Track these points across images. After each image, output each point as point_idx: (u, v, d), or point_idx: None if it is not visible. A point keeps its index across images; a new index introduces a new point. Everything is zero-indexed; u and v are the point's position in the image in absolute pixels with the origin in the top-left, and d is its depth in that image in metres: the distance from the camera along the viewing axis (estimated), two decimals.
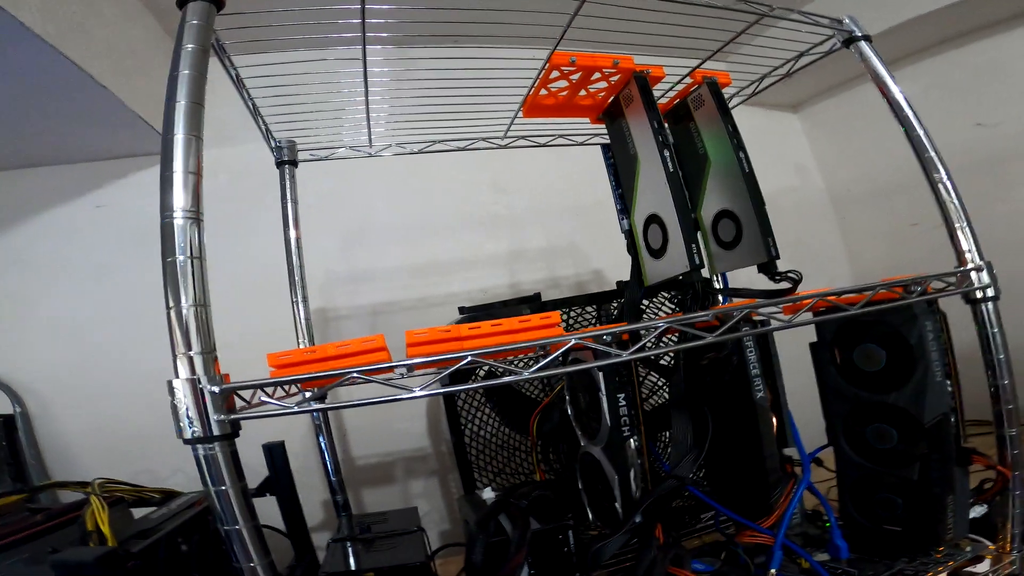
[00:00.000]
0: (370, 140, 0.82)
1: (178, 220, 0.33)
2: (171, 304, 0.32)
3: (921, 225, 1.18)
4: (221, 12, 0.45)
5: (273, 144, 0.79)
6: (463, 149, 0.87)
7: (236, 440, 0.33)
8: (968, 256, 0.54)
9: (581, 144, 0.90)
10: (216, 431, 0.32)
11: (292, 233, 0.78)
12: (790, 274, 0.61)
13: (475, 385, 0.45)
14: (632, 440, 0.63)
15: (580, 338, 0.41)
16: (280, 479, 0.67)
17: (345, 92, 0.72)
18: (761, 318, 0.62)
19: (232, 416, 0.33)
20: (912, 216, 1.24)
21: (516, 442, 0.89)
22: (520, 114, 0.77)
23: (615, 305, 0.91)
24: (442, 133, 0.87)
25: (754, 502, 0.65)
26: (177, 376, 0.32)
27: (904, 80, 1.29)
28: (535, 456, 0.79)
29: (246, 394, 0.36)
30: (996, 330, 0.54)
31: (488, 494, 0.69)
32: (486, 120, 0.85)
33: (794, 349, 0.73)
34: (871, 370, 0.59)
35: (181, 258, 0.33)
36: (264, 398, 0.37)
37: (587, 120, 0.77)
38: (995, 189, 1.22)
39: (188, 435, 0.32)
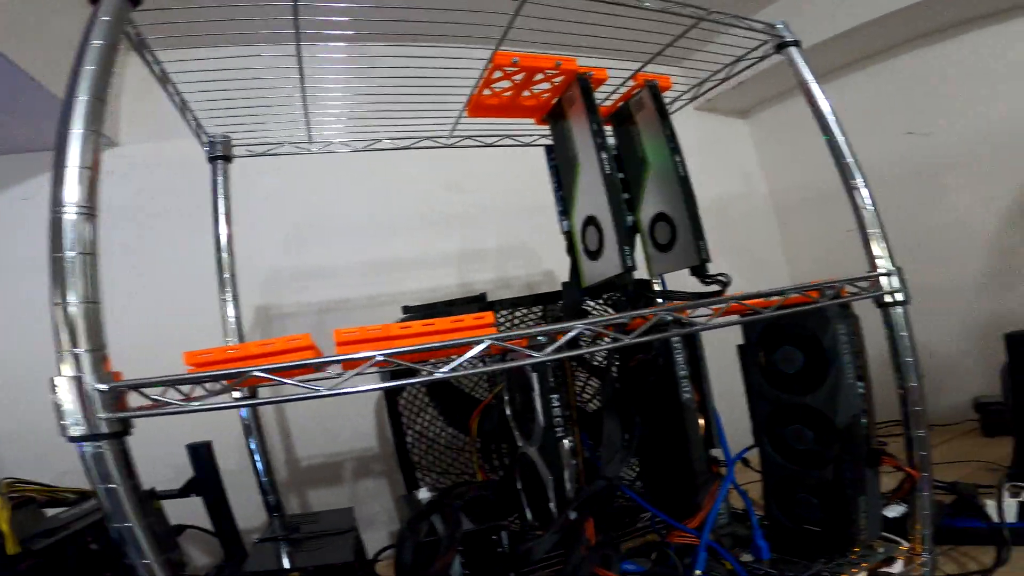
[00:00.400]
0: (309, 136, 0.80)
1: (69, 216, 0.32)
2: (57, 300, 0.31)
3: (855, 232, 1.24)
4: (141, 8, 0.44)
5: (204, 139, 0.77)
6: (408, 148, 0.86)
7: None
8: (880, 261, 0.57)
9: (527, 145, 0.91)
10: (103, 429, 0.31)
11: (223, 230, 0.75)
12: (720, 277, 0.62)
13: (378, 387, 0.45)
14: (566, 441, 0.64)
15: (496, 339, 0.42)
16: (206, 479, 0.65)
17: (281, 88, 0.70)
18: (689, 320, 0.64)
19: (121, 415, 0.32)
20: (847, 222, 1.29)
21: (461, 443, 0.89)
22: (465, 113, 0.77)
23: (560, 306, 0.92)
24: (386, 131, 0.86)
25: (683, 502, 0.67)
26: (60, 374, 0.31)
27: (843, 89, 1.36)
28: (476, 456, 0.79)
29: (156, 392, 0.35)
30: (905, 333, 0.56)
31: (424, 494, 0.69)
32: (432, 118, 0.84)
33: (729, 351, 0.75)
34: (790, 372, 0.61)
35: (71, 254, 0.31)
36: (176, 397, 0.36)
37: (533, 121, 0.77)
38: (927, 197, 1.28)
39: (72, 433, 0.31)
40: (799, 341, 0.60)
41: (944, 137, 1.24)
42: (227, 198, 0.77)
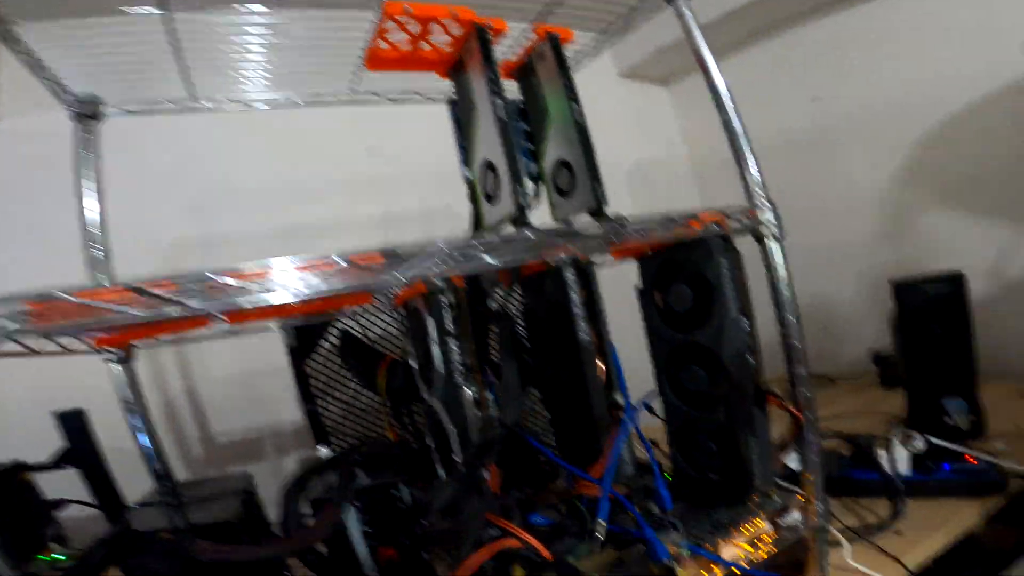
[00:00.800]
0: (191, 94, 0.75)
1: None
2: None
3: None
4: None
5: (67, 99, 0.70)
6: (306, 104, 0.82)
7: None
8: (756, 197, 0.59)
9: (434, 100, 0.89)
10: None
11: (90, 202, 0.69)
12: (617, 219, 0.63)
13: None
14: (468, 389, 0.63)
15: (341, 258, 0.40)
16: (81, 449, 0.61)
17: (151, 42, 0.65)
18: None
19: None
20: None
21: (378, 405, 0.87)
22: (363, 68, 0.74)
23: None
24: (282, 87, 0.82)
25: (589, 451, 0.67)
26: None
27: (751, 58, 1.40)
28: (386, 416, 0.77)
29: None
30: (782, 268, 0.58)
31: (324, 452, 0.67)
32: (330, 74, 0.81)
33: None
34: (682, 310, 0.62)
35: None
36: None
37: (437, 76, 0.75)
38: (825, 160, 1.36)
39: None
40: (688, 278, 0.61)
41: (843, 104, 1.31)
42: (95, 162, 0.70)
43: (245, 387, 1.15)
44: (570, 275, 0.59)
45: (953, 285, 0.88)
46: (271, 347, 0.84)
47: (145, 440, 0.66)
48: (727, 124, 0.64)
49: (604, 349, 0.62)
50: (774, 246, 0.58)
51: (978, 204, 1.16)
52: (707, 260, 0.59)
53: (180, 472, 1.12)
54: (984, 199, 1.15)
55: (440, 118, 0.98)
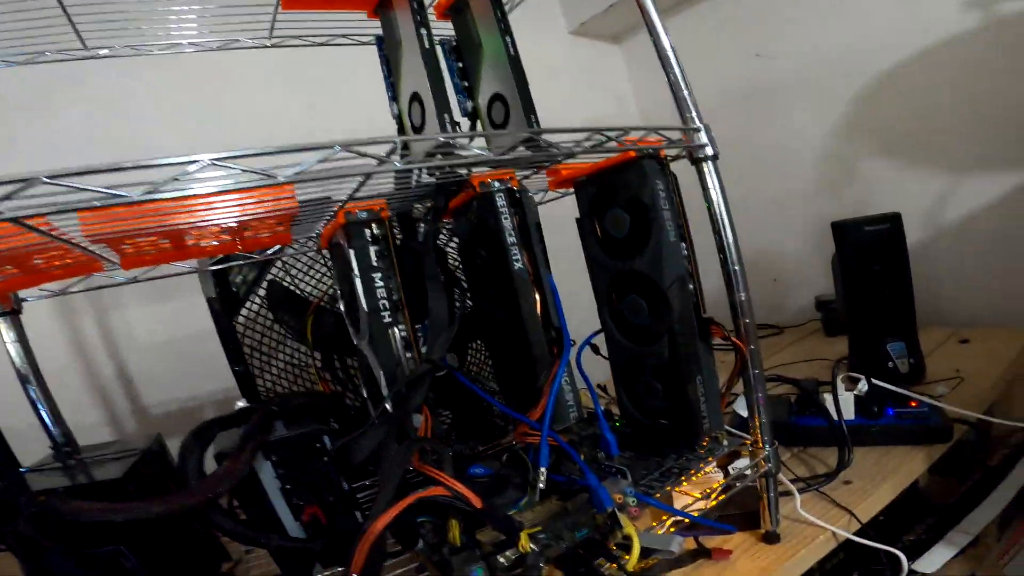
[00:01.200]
0: (82, 41, 0.68)
1: None
2: None
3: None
4: None
5: None
6: (221, 49, 0.75)
7: None
8: (689, 117, 0.57)
9: (364, 44, 0.83)
10: None
11: None
12: (552, 149, 0.60)
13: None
14: (396, 328, 0.59)
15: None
16: None
17: None
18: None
19: None
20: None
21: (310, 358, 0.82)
22: (280, 8, 0.68)
23: None
24: (187, 33, 0.75)
25: (529, 393, 0.64)
26: None
27: (697, 16, 1.40)
28: (314, 367, 0.73)
29: None
30: (718, 189, 0.56)
31: (240, 404, 0.62)
32: (245, 17, 0.74)
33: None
34: (619, 236, 0.60)
35: None
36: None
37: (365, 16, 0.71)
38: (769, 114, 1.38)
39: None
40: (624, 203, 0.58)
41: (786, 60, 1.33)
42: None
43: (177, 354, 1.08)
44: (501, 200, 0.56)
45: (891, 224, 0.89)
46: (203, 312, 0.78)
47: (37, 399, 0.60)
48: (664, 61, 0.61)
49: (539, 277, 0.58)
50: (709, 167, 0.56)
51: (916, 154, 1.19)
52: (642, 183, 0.56)
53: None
54: (921, 150, 1.18)
55: (378, 68, 0.94)
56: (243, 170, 0.33)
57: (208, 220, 0.45)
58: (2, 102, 0.95)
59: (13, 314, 0.60)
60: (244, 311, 0.79)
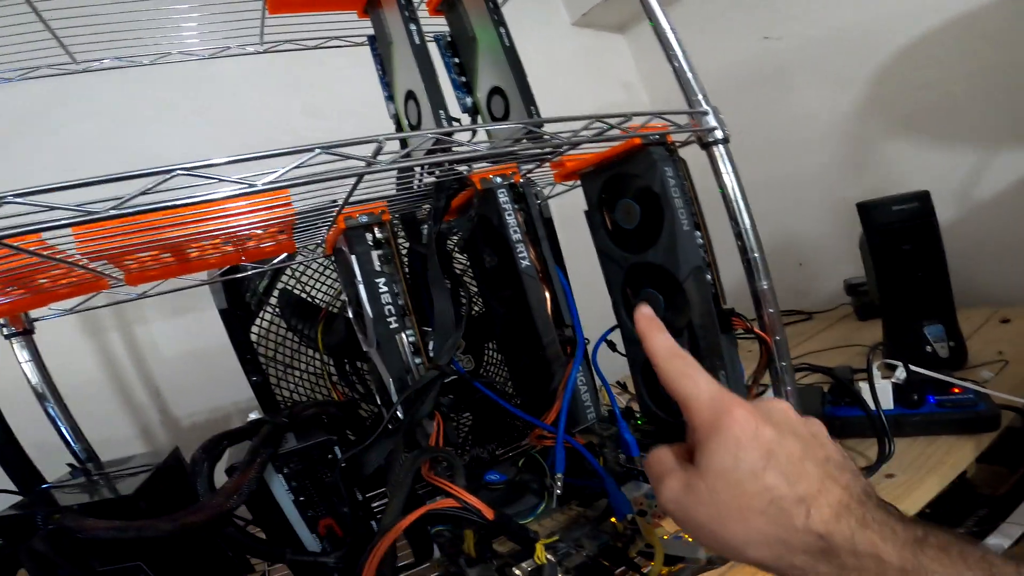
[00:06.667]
0: (71, 56, 0.68)
1: None
2: None
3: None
4: None
5: None
6: (212, 57, 0.75)
7: None
8: (696, 101, 0.54)
9: (358, 45, 0.82)
10: None
11: None
12: (554, 139, 0.58)
13: None
14: (404, 334, 0.58)
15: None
16: None
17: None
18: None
19: None
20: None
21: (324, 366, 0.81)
22: (267, 12, 0.67)
23: None
24: (177, 42, 0.74)
25: (544, 395, 0.62)
26: None
27: (700, 2, 1.36)
28: (326, 375, 0.72)
29: None
30: (731, 173, 0.53)
31: (253, 416, 0.61)
32: (234, 24, 0.74)
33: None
34: (630, 227, 0.57)
35: None
36: None
37: (356, 16, 0.70)
38: (780, 96, 1.33)
39: None
40: (635, 193, 0.56)
41: (794, 41, 1.28)
42: None
43: (201, 365, 1.09)
44: (504, 196, 0.54)
45: (920, 202, 0.84)
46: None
47: (56, 416, 0.60)
48: (665, 45, 0.58)
49: (548, 274, 0.56)
50: (720, 150, 0.53)
51: (941, 130, 1.13)
52: (650, 171, 0.53)
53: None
54: (946, 125, 1.13)
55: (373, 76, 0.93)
56: (219, 179, 0.32)
57: (202, 231, 0.44)
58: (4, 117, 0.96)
59: (26, 334, 0.60)
60: (259, 321, 0.79)
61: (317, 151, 0.35)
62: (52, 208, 0.27)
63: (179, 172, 0.30)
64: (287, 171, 0.34)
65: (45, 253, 0.38)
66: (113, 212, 0.28)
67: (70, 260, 0.42)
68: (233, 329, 0.76)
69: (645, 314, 0.34)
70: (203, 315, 1.07)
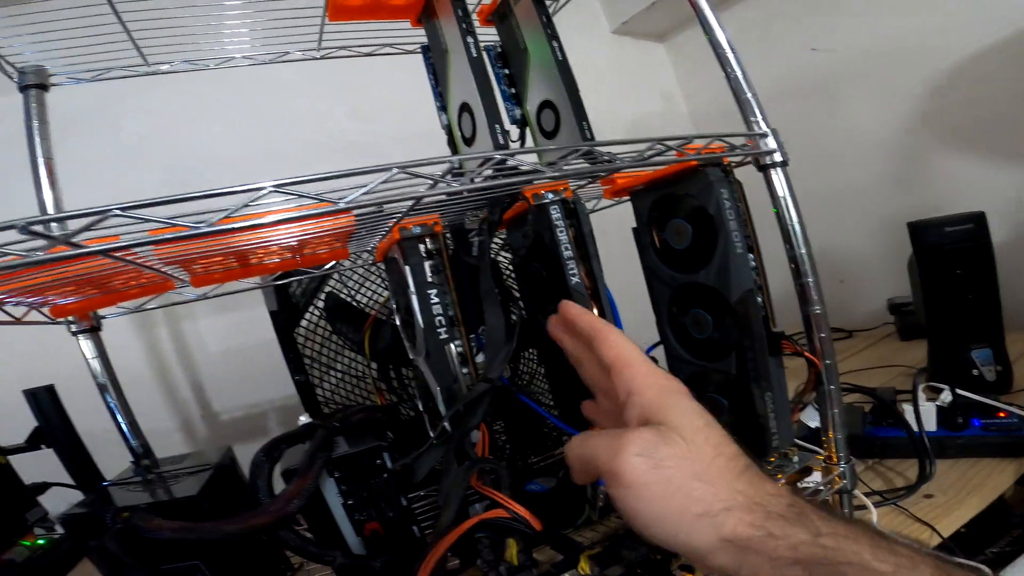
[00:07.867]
0: (144, 59, 0.70)
1: None
2: None
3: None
4: None
5: (10, 69, 0.65)
6: (273, 62, 0.77)
7: None
8: (754, 122, 0.53)
9: (409, 52, 0.83)
10: None
11: (42, 169, 0.64)
12: (606, 157, 0.58)
13: None
14: (453, 344, 0.59)
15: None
16: (53, 427, 0.57)
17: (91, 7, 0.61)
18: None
19: None
20: None
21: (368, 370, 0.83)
22: (327, 20, 0.69)
23: None
24: (241, 47, 0.77)
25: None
26: None
27: (749, 10, 1.35)
28: (372, 379, 0.73)
29: None
30: (788, 196, 0.53)
31: (303, 419, 0.63)
32: (294, 30, 0.76)
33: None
34: (681, 247, 0.57)
35: None
36: None
37: (409, 25, 0.71)
38: (827, 108, 1.31)
39: None
40: (687, 213, 0.56)
41: (842, 53, 1.26)
42: (44, 132, 0.65)
43: (242, 363, 1.12)
44: (556, 212, 0.54)
45: (974, 224, 0.82)
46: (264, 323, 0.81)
47: (116, 412, 0.62)
48: (722, 61, 0.58)
49: (598, 292, 0.57)
50: (778, 174, 0.53)
51: (995, 147, 1.10)
52: (706, 192, 0.53)
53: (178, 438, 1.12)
54: (1001, 142, 1.09)
55: (418, 81, 0.95)
56: (304, 195, 0.34)
57: (271, 241, 0.45)
58: (64, 117, 1.00)
59: (93, 331, 0.63)
60: (303, 322, 0.81)
61: (395, 170, 0.36)
62: (146, 221, 0.29)
63: (270, 189, 0.32)
64: (374, 187, 0.36)
65: (129, 258, 0.40)
66: (220, 227, 0.30)
67: (148, 265, 0.44)
68: (281, 330, 0.78)
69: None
70: (247, 314, 1.10)
